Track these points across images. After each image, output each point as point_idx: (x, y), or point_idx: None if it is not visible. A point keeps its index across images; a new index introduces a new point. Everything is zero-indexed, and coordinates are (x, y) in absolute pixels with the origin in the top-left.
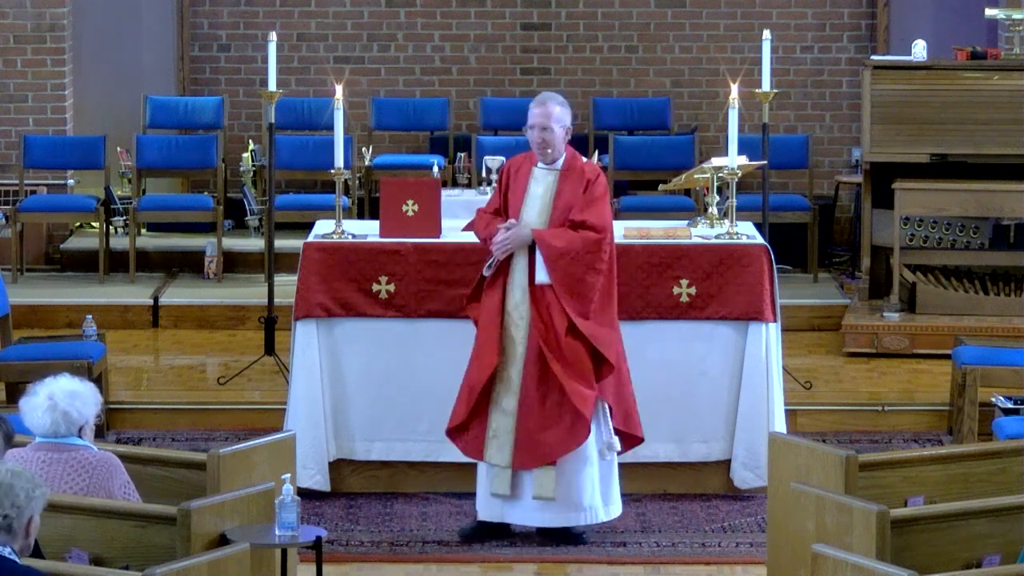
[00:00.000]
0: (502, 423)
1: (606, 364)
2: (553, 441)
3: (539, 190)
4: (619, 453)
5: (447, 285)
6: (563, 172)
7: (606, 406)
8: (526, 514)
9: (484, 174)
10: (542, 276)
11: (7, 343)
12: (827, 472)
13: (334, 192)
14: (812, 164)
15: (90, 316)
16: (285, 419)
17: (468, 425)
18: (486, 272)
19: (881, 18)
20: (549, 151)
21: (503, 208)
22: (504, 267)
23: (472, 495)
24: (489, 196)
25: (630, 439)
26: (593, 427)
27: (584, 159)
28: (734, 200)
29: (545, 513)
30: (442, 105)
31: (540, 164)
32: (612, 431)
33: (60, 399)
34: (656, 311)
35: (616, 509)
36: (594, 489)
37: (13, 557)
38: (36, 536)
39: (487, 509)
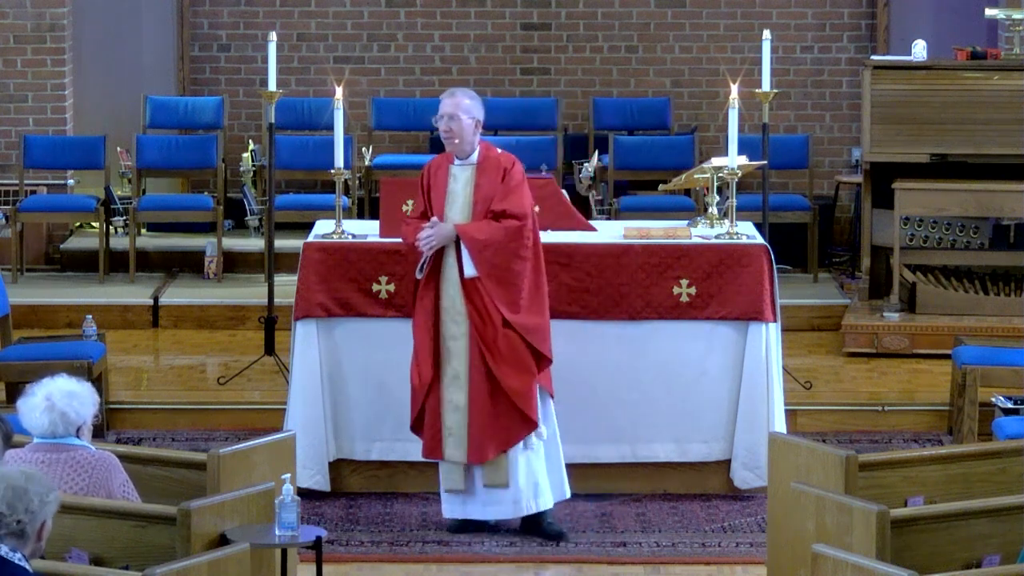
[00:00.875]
0: (455, 420)
1: (544, 358)
2: (503, 431)
3: (458, 186)
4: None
5: None
6: (479, 165)
7: (547, 397)
8: (483, 508)
9: None
10: (470, 270)
11: (7, 343)
12: (827, 472)
13: (334, 192)
14: (812, 164)
15: (90, 316)
16: (285, 419)
17: (425, 426)
18: (418, 274)
19: (881, 18)
20: (456, 141)
21: (427, 209)
22: (436, 266)
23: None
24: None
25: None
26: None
27: (499, 150)
28: (734, 200)
29: (500, 506)
30: None
31: (457, 161)
32: (545, 419)
33: (58, 399)
34: (656, 311)
35: (561, 493)
36: (541, 477)
37: (24, 564)
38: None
39: (449, 507)
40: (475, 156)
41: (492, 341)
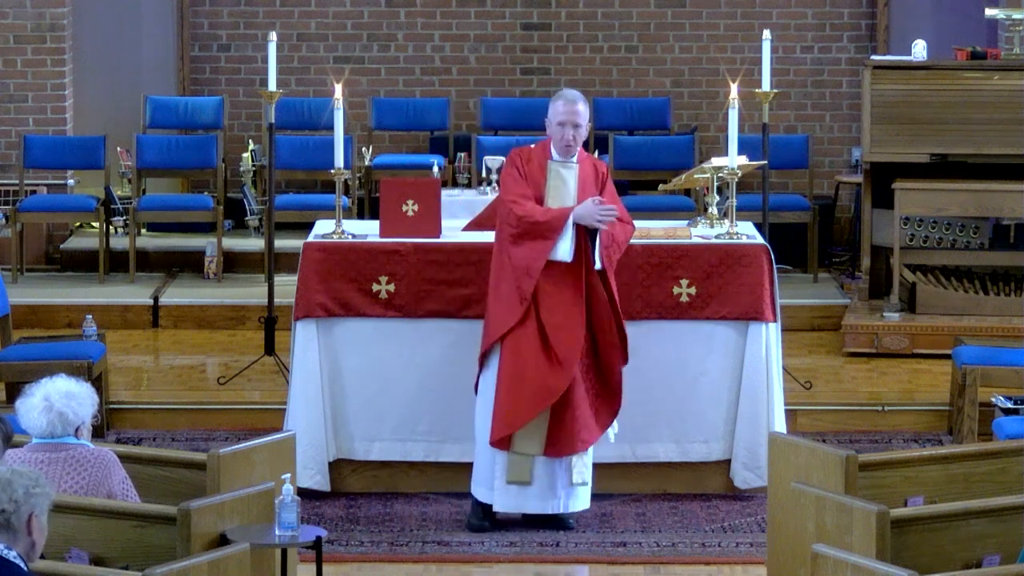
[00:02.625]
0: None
1: (626, 347)
2: (589, 428)
3: (560, 183)
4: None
5: (447, 285)
6: (581, 165)
7: None
8: (541, 502)
9: (484, 174)
10: (599, 262)
11: (7, 343)
12: (827, 472)
13: (334, 192)
14: (812, 164)
15: (90, 316)
16: (285, 419)
17: (493, 417)
18: (567, 257)
19: (881, 18)
20: (577, 149)
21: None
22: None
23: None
24: (488, 196)
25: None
26: None
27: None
28: (734, 200)
29: (555, 500)
30: (442, 105)
31: (557, 157)
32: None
33: (56, 400)
34: (656, 311)
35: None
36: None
37: (19, 562)
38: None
39: (504, 499)
40: (576, 156)
41: (607, 332)
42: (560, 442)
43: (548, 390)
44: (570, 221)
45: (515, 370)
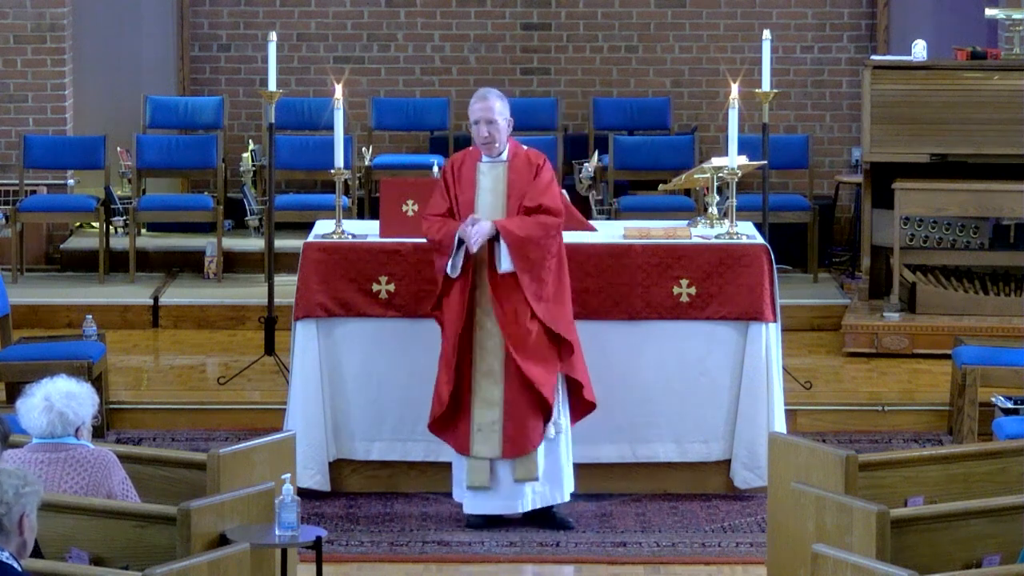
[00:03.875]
0: (487, 415)
1: (566, 344)
2: (537, 426)
3: (489, 183)
4: (573, 423)
5: None
6: (511, 162)
7: (562, 388)
8: (508, 503)
9: None
10: (506, 265)
11: (7, 343)
12: (827, 472)
13: (334, 192)
14: (812, 164)
15: (90, 316)
16: (285, 419)
17: (452, 422)
18: (453, 272)
19: (881, 18)
20: (496, 145)
21: (453, 207)
22: (465, 264)
23: None
24: None
25: (586, 406)
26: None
27: (526, 147)
28: (734, 200)
29: (524, 499)
30: (442, 105)
31: (485, 158)
32: (561, 412)
33: (56, 400)
34: (656, 311)
35: (570, 487)
36: (564, 467)
37: (11, 562)
38: (35, 536)
39: (473, 503)
40: (506, 153)
41: (520, 335)
42: (517, 442)
43: (437, 394)
44: (455, 239)
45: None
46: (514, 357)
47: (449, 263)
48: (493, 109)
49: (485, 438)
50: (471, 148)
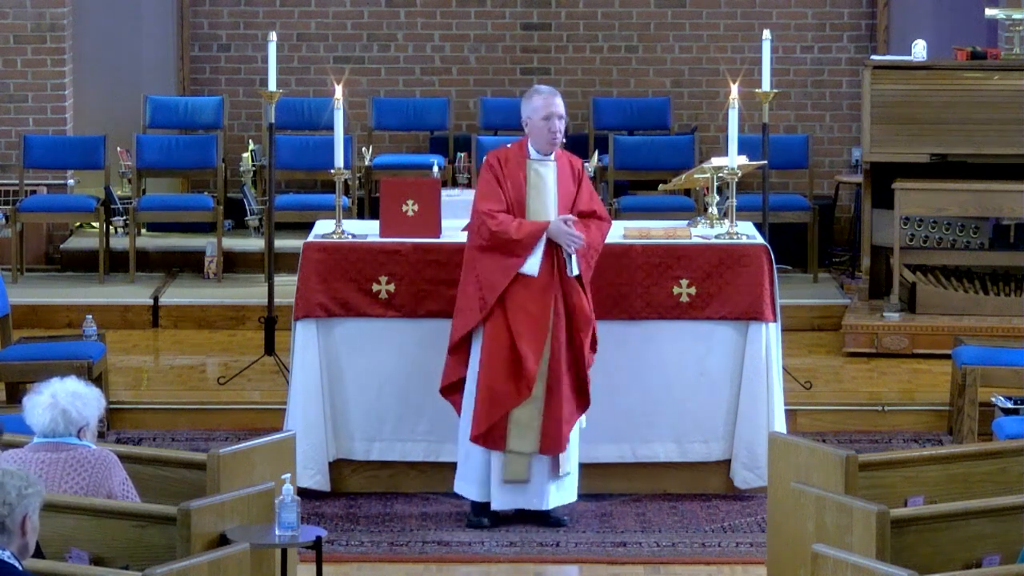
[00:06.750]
0: (525, 411)
1: (595, 343)
2: (570, 424)
3: (539, 181)
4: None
5: (447, 285)
6: (558, 161)
7: None
8: (538, 499)
9: None
10: (577, 269)
11: (7, 343)
12: (827, 472)
13: (334, 192)
14: (812, 164)
15: (90, 316)
16: (285, 419)
17: (484, 420)
18: (534, 272)
19: (881, 18)
20: (563, 140)
21: (509, 203)
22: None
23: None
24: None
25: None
26: None
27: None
28: (734, 200)
29: (548, 496)
30: (442, 105)
31: (535, 156)
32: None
33: (62, 398)
34: (656, 311)
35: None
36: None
37: (13, 561)
38: (36, 536)
39: (502, 497)
40: (553, 154)
41: (584, 333)
42: (553, 439)
43: (509, 395)
44: (542, 240)
45: (485, 371)
46: (563, 355)
47: (528, 262)
48: (562, 106)
49: (520, 432)
50: (511, 145)
